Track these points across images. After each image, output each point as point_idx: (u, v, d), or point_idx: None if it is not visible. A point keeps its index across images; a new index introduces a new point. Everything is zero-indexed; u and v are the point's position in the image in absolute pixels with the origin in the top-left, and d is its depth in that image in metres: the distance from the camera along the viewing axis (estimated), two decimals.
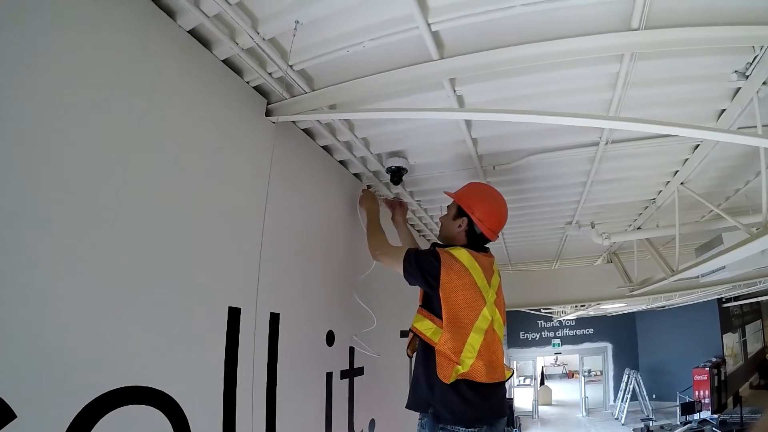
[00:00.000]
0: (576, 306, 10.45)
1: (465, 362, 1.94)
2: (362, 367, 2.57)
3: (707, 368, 14.18)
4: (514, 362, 18.92)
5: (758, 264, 3.36)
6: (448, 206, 2.28)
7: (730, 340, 16.10)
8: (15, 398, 0.94)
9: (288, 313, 1.90)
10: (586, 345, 18.23)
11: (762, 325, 19.19)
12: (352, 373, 2.47)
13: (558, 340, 18.11)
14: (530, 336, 18.20)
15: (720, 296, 12.85)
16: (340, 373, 2.35)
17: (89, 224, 1.12)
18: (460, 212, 2.18)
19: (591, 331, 18.12)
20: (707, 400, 13.71)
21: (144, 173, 1.29)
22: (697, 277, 3.92)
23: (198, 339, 1.45)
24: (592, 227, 3.48)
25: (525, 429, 15.40)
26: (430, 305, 2.05)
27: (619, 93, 1.91)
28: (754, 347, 17.99)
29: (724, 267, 3.39)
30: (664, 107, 2.09)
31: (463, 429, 1.93)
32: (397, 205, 2.85)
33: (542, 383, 20.83)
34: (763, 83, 1.85)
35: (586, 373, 18.99)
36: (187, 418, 1.36)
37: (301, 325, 2.03)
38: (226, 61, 1.63)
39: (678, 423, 11.91)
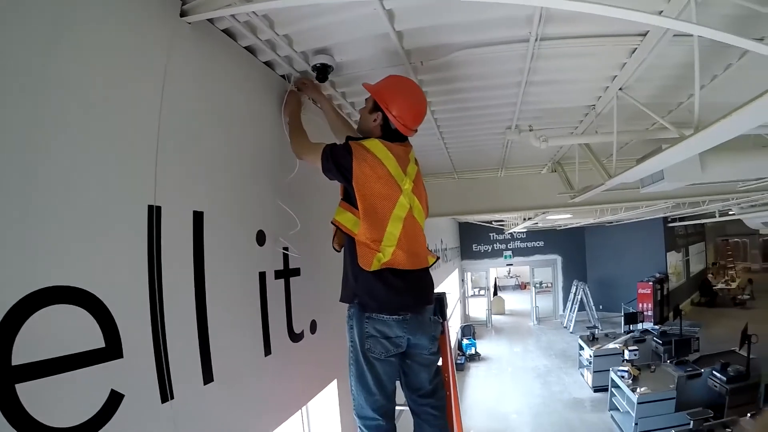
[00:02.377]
0: (525, 218, 10.84)
1: (385, 251, 2.00)
2: (298, 268, 2.59)
3: (651, 283, 15.28)
4: (468, 273, 19.80)
5: (697, 178, 3.46)
6: (366, 99, 2.24)
7: (674, 258, 17.27)
8: None
9: (212, 212, 1.88)
10: (537, 257, 19.15)
11: (705, 247, 20.78)
12: (287, 273, 2.49)
13: (509, 252, 18.90)
14: (482, 248, 18.93)
15: (666, 215, 13.60)
16: (274, 273, 2.36)
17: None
18: (376, 106, 2.15)
19: (541, 243, 18.96)
20: (650, 313, 14.98)
21: (54, 75, 1.27)
22: (638, 188, 4.05)
23: (118, 238, 1.44)
24: (530, 130, 3.50)
25: (479, 337, 16.41)
26: (349, 198, 2.07)
27: None
28: (696, 267, 19.48)
29: (662, 177, 3.49)
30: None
31: (388, 317, 2.02)
32: (310, 85, 2.59)
33: (495, 294, 22.04)
34: None
35: (537, 285, 20.13)
36: (115, 319, 1.37)
37: (228, 224, 2.01)
38: None
39: (622, 332, 12.89)
